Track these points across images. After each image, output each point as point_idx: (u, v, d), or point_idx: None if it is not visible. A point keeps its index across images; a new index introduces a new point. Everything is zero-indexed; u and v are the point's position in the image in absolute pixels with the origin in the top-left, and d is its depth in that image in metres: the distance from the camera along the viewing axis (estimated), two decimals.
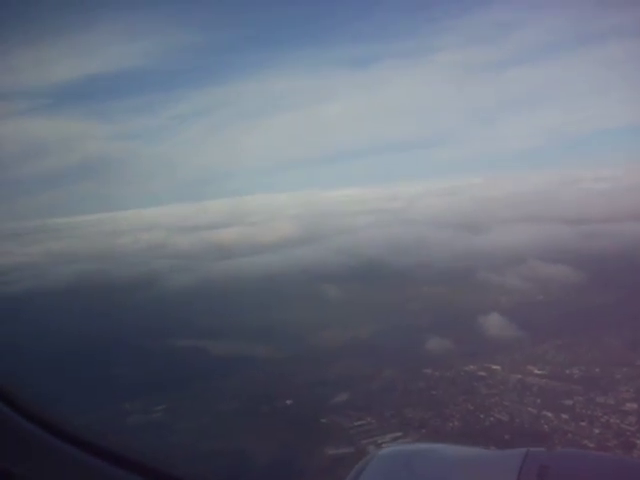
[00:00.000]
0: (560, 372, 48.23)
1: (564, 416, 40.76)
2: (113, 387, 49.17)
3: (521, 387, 46.56)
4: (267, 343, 60.87)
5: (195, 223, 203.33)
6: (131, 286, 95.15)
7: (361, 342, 59.76)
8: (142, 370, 53.92)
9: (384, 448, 3.83)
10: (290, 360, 55.62)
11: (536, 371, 49.00)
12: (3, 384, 3.50)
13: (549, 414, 41.20)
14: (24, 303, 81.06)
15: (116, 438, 3.47)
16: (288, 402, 46.69)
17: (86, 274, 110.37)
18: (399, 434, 39.19)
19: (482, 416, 42.21)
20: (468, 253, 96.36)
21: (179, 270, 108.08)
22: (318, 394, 47.29)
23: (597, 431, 38.42)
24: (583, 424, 39.43)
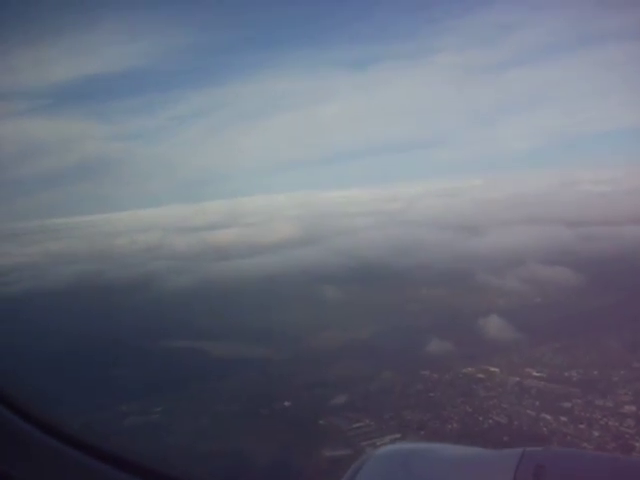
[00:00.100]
0: (558, 375, 48.22)
1: (563, 419, 40.75)
2: (111, 388, 49.13)
3: (519, 389, 46.52)
4: (265, 344, 60.88)
5: (194, 224, 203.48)
6: (129, 287, 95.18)
7: (359, 344, 59.73)
8: (140, 371, 53.87)
9: (380, 448, 3.81)
10: (288, 361, 55.62)
11: (534, 373, 48.97)
12: (1, 385, 3.49)
13: (548, 416, 41.18)
14: (22, 304, 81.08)
15: (114, 439, 3.44)
16: (286, 404, 46.67)
17: (85, 275, 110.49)
18: (397, 436, 39.13)
19: (481, 418, 42.22)
20: (467, 255, 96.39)
21: (177, 271, 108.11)
22: (316, 396, 47.28)
23: (596, 434, 38.41)
24: (582, 427, 39.42)
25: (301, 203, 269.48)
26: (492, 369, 50.39)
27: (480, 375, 49.62)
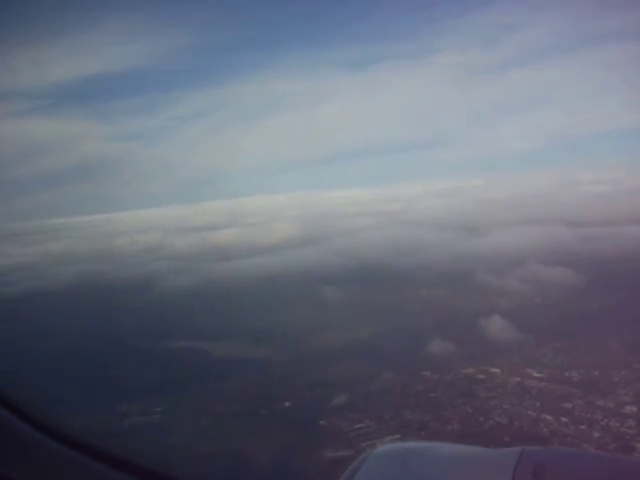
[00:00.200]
0: (559, 375, 48.26)
1: (563, 419, 40.79)
2: (111, 389, 49.15)
3: (520, 390, 46.54)
4: (266, 345, 60.90)
5: (194, 224, 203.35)
6: (130, 287, 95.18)
7: (360, 344, 59.72)
8: (140, 372, 53.87)
9: (379, 446, 3.81)
10: (289, 362, 55.64)
11: (535, 374, 49.00)
12: (1, 386, 3.48)
13: (548, 417, 41.21)
14: (22, 304, 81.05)
15: (114, 440, 3.44)
16: (287, 404, 46.68)
17: (85, 275, 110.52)
18: (398, 437, 39.11)
19: (481, 419, 42.25)
20: (467, 255, 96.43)
21: (178, 271, 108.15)
22: (317, 396, 47.31)
23: (597, 434, 38.44)
24: (583, 427, 39.46)
25: (301, 203, 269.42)
26: (493, 370, 50.39)
27: (481, 376, 49.63)
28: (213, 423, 43.88)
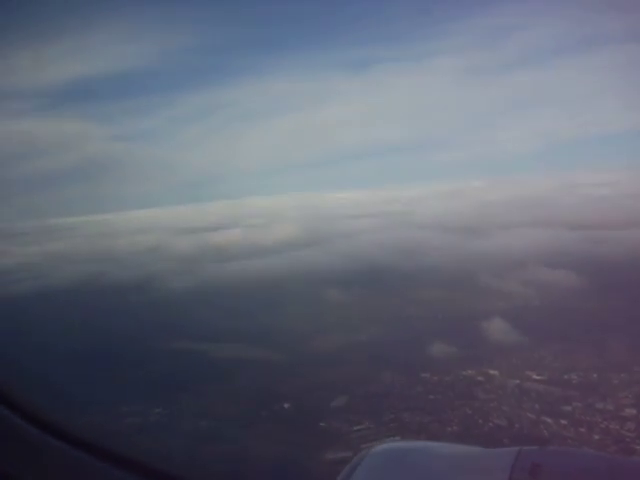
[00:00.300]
0: (558, 377, 48.20)
1: (563, 422, 40.77)
2: (110, 389, 49.02)
3: (519, 392, 46.49)
4: (266, 346, 60.77)
5: (195, 225, 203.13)
6: (130, 288, 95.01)
7: (360, 345, 59.66)
8: (140, 372, 53.80)
9: (377, 445, 3.83)
10: (289, 363, 55.59)
11: (534, 376, 48.93)
12: (2, 385, 3.50)
13: (548, 420, 41.18)
14: (22, 304, 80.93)
15: (114, 440, 3.46)
16: (286, 406, 46.62)
17: (85, 275, 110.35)
18: (398, 438, 39.00)
19: (481, 421, 42.20)
20: (468, 257, 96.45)
21: (178, 272, 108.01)
22: (317, 398, 47.28)
23: (597, 437, 38.42)
24: (582, 430, 39.43)
25: (303, 204, 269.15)
26: (492, 372, 50.33)
27: (480, 378, 49.58)
28: (213, 424, 43.79)
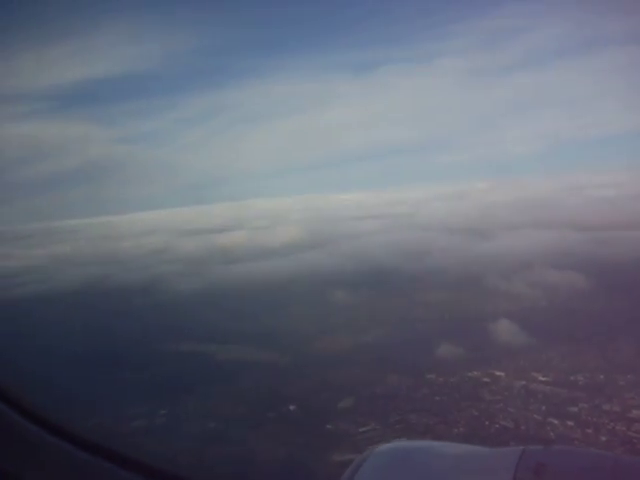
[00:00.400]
0: (564, 379, 48.05)
1: (570, 423, 40.66)
2: (116, 392, 49.03)
3: (525, 393, 46.38)
4: (272, 348, 60.72)
5: (199, 227, 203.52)
6: (135, 290, 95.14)
7: (366, 347, 59.58)
8: (146, 374, 53.84)
9: (381, 445, 3.87)
10: (295, 365, 55.58)
11: (541, 378, 48.78)
12: (8, 387, 3.53)
13: (555, 421, 41.07)
14: (28, 306, 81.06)
15: (120, 440, 3.48)
16: (292, 407, 46.56)
17: (90, 278, 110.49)
18: (404, 440, 39.01)
19: (487, 422, 42.10)
20: (473, 258, 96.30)
21: (183, 274, 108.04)
22: (323, 399, 47.25)
23: (603, 438, 38.27)
24: (589, 431, 39.31)
25: (307, 206, 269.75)
26: (498, 373, 50.23)
27: (486, 379, 49.49)
28: (219, 426, 43.79)
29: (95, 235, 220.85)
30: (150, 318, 75.59)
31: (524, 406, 44.05)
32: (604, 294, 67.48)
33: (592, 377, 47.49)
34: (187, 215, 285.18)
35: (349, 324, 67.86)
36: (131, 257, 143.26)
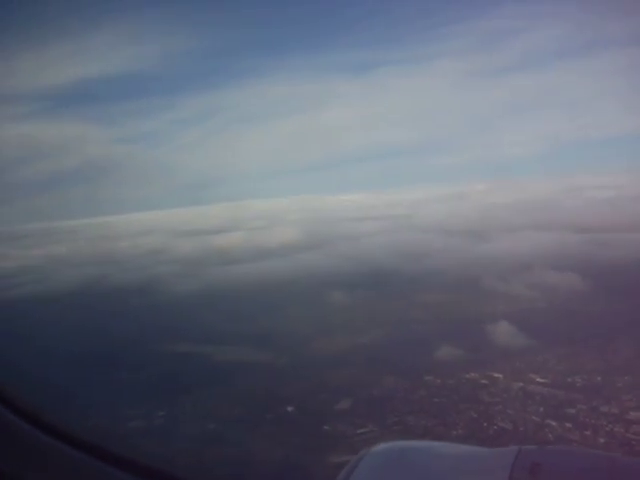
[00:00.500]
0: (562, 380, 48.08)
1: (568, 425, 40.65)
2: (114, 393, 49.00)
3: (523, 395, 46.39)
4: (269, 349, 60.80)
5: (196, 227, 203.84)
6: (133, 290, 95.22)
7: (363, 348, 59.62)
8: (143, 375, 53.83)
9: (377, 445, 3.83)
10: (292, 366, 55.61)
11: (538, 379, 48.82)
12: (4, 388, 3.51)
13: (553, 423, 41.08)
14: (25, 307, 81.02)
15: (117, 441, 3.47)
16: (290, 409, 46.53)
17: (87, 278, 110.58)
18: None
19: (485, 424, 42.12)
20: (472, 259, 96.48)
21: (180, 274, 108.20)
22: (321, 401, 47.22)
23: (602, 440, 38.25)
24: (587, 433, 39.30)
25: (305, 207, 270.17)
26: (496, 375, 50.26)
27: (484, 381, 49.51)
28: (217, 427, 43.78)
29: (92, 235, 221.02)
30: (147, 319, 75.61)
31: (522, 408, 44.07)
32: (603, 296, 67.61)
33: (590, 379, 47.53)
34: (184, 216, 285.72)
35: (347, 325, 67.88)
36: (128, 257, 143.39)
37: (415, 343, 58.45)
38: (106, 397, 46.88)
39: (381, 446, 3.82)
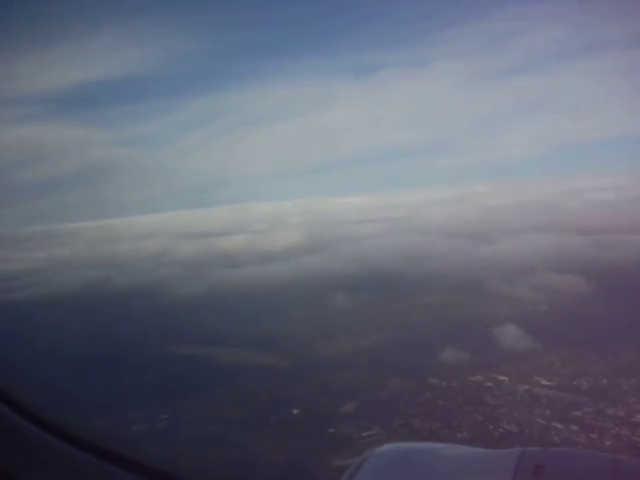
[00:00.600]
0: (568, 383, 48.09)
1: (574, 427, 40.62)
2: (116, 396, 49.06)
3: (529, 398, 46.40)
4: (273, 352, 60.85)
5: (199, 230, 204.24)
6: (135, 293, 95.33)
7: (368, 351, 59.65)
8: (146, 378, 53.90)
9: (381, 447, 3.82)
10: (297, 369, 55.65)
11: (544, 382, 48.86)
12: (9, 390, 3.54)
13: (559, 425, 41.06)
14: (27, 310, 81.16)
15: (120, 443, 3.49)
16: (295, 412, 46.55)
17: (90, 281, 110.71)
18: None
19: (491, 427, 42.10)
20: (474, 262, 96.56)
21: (183, 277, 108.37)
22: (326, 404, 47.23)
23: (608, 443, 38.19)
24: (593, 436, 39.26)
25: (307, 210, 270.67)
26: (501, 377, 50.28)
27: (489, 383, 49.53)
28: (221, 430, 43.77)
29: (94, 238, 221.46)
30: (150, 321, 75.75)
31: (528, 410, 44.06)
32: (606, 298, 67.68)
33: (595, 381, 47.53)
34: (186, 218, 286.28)
35: (350, 328, 67.94)
36: (130, 260, 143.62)
37: (419, 346, 58.46)
38: (109, 400, 46.94)
39: (384, 447, 3.80)
